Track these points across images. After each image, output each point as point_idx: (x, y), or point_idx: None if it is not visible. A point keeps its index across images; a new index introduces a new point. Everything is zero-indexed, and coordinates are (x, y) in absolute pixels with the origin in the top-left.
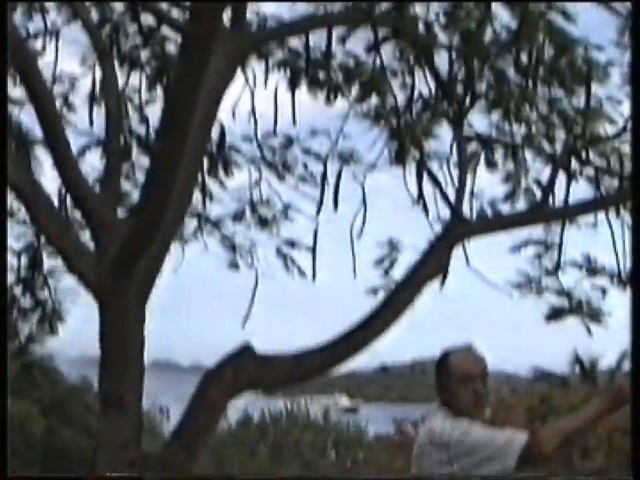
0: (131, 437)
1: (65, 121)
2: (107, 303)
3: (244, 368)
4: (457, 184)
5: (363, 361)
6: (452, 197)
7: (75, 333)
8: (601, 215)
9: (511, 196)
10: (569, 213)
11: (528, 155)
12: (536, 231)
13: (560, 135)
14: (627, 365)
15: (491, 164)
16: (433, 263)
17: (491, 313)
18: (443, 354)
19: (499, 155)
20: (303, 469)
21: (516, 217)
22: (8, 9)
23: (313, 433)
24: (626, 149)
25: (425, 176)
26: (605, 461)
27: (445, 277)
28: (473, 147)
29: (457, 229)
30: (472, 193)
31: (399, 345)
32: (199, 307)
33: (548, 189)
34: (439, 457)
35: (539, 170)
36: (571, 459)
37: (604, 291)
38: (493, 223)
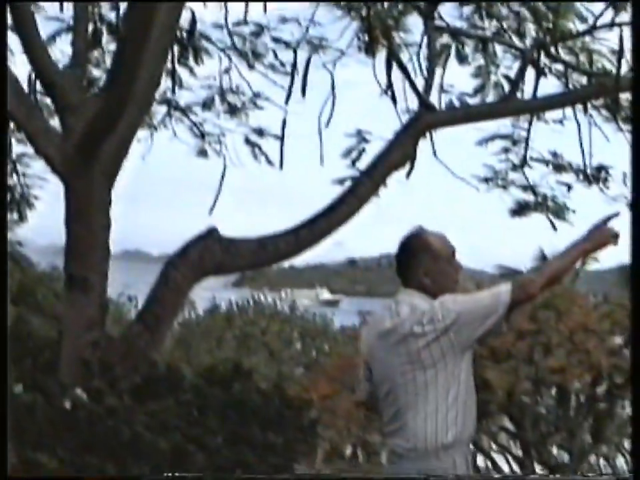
0: (95, 319)
1: (35, 7)
2: (72, 184)
3: (209, 250)
4: (426, 74)
5: (330, 253)
6: (421, 88)
7: (45, 221)
8: (569, 112)
9: (480, 90)
10: (537, 106)
11: (498, 49)
12: (504, 126)
13: (530, 30)
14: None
15: (461, 58)
16: (399, 153)
17: (457, 207)
18: (415, 237)
19: (469, 48)
20: (268, 359)
21: (484, 107)
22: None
23: (279, 324)
24: (595, 46)
25: (395, 67)
26: (566, 358)
27: (411, 168)
28: (444, 40)
29: (424, 119)
30: (441, 86)
31: (367, 239)
32: (167, 195)
33: (516, 81)
34: (434, 334)
35: (508, 65)
36: (532, 356)
37: (569, 187)
38: (460, 113)
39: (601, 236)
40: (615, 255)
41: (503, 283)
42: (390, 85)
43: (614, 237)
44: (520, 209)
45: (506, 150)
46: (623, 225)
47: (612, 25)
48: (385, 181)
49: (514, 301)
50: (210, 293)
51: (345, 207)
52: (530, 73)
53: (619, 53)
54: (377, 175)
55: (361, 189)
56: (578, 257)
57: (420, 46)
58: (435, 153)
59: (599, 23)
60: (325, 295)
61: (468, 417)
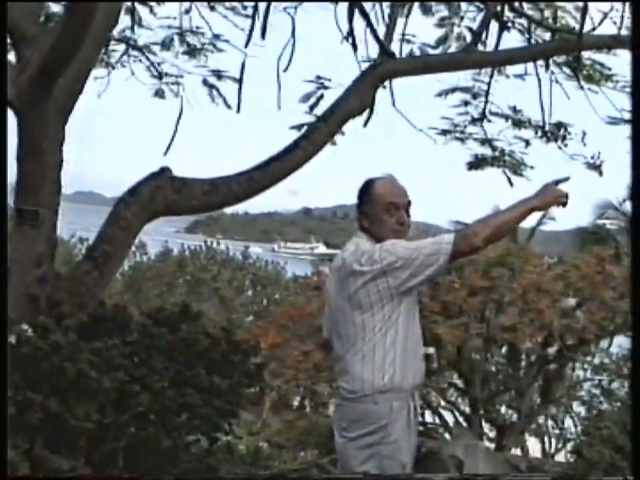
0: (44, 255)
1: None
2: (26, 117)
3: (160, 190)
4: (388, 23)
5: (285, 203)
6: (383, 37)
7: None
8: (531, 68)
9: (442, 41)
10: (498, 59)
11: (463, 3)
12: (464, 79)
13: None
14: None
15: (425, 8)
16: (357, 100)
17: (415, 159)
18: (366, 181)
19: None
20: (219, 306)
21: (444, 57)
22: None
23: (231, 270)
24: (561, 2)
25: (357, 14)
26: (518, 316)
27: (369, 116)
28: None
29: (384, 67)
30: (403, 36)
31: (323, 189)
32: (123, 136)
33: (479, 33)
34: (370, 274)
35: (472, 17)
36: (484, 313)
37: (527, 143)
38: (420, 62)
39: (549, 195)
40: (572, 217)
41: (446, 233)
42: (351, 31)
43: (563, 198)
44: (477, 163)
45: (466, 103)
46: (580, 185)
47: None
48: (341, 127)
49: (456, 252)
50: (163, 238)
51: (299, 151)
52: (494, 26)
53: (583, 10)
54: (333, 121)
55: (316, 134)
56: (524, 212)
57: None
58: (394, 103)
59: None
60: (321, 248)
61: (409, 364)
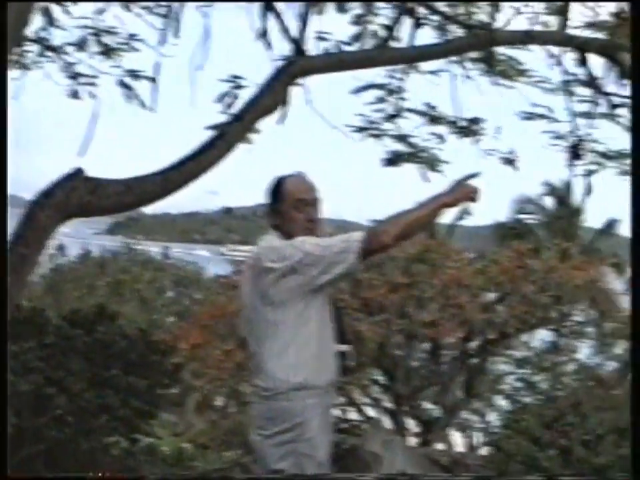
0: None
1: None
2: None
3: (75, 191)
4: (301, 21)
5: (205, 203)
6: (297, 35)
7: None
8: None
9: (357, 38)
10: (412, 56)
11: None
12: (379, 76)
13: None
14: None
15: (339, 6)
16: (270, 98)
17: (331, 157)
18: (275, 179)
19: None
20: (140, 307)
21: (358, 54)
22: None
23: (152, 271)
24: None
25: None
26: (439, 312)
27: (284, 114)
28: None
29: (297, 64)
30: (318, 34)
31: (243, 188)
32: (39, 138)
33: (392, 30)
34: (281, 271)
35: (387, 14)
36: (405, 310)
37: (442, 139)
38: (334, 59)
39: (460, 191)
40: (491, 212)
41: (357, 231)
42: (264, 30)
43: (473, 193)
44: (393, 159)
45: (381, 100)
46: (498, 181)
47: None
48: (254, 125)
49: (365, 250)
50: (83, 240)
51: (214, 150)
52: (409, 23)
53: (496, 6)
54: (247, 120)
55: (231, 133)
56: (435, 209)
57: None
58: (308, 100)
59: None
60: None
61: (323, 362)
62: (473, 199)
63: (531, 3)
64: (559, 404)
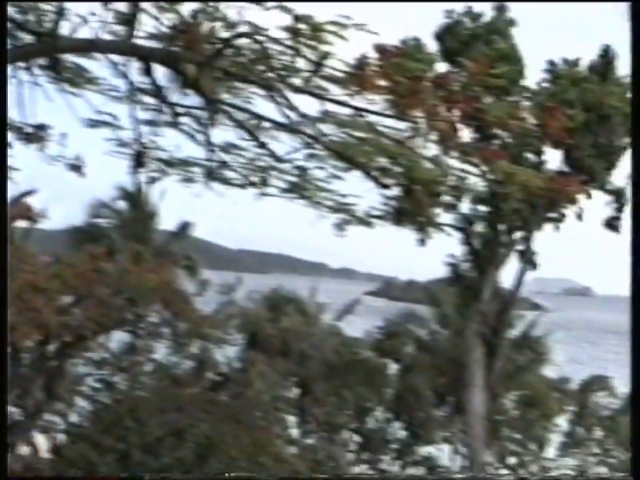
0: None
1: None
2: None
3: None
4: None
5: None
6: None
7: None
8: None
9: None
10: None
11: None
12: None
13: None
14: None
15: None
16: None
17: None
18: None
19: None
20: None
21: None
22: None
23: None
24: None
25: None
26: (16, 316)
27: None
28: None
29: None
30: None
31: None
32: None
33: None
34: None
35: None
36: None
37: (9, 145)
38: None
39: (15, 209)
40: (68, 216)
41: None
42: None
43: (27, 212)
44: None
45: None
46: (71, 186)
47: None
48: None
49: None
50: None
51: None
52: None
53: (60, 14)
54: None
55: None
56: None
57: None
58: None
59: None
60: None
61: None
62: (29, 217)
63: (98, 12)
64: (118, 408)
